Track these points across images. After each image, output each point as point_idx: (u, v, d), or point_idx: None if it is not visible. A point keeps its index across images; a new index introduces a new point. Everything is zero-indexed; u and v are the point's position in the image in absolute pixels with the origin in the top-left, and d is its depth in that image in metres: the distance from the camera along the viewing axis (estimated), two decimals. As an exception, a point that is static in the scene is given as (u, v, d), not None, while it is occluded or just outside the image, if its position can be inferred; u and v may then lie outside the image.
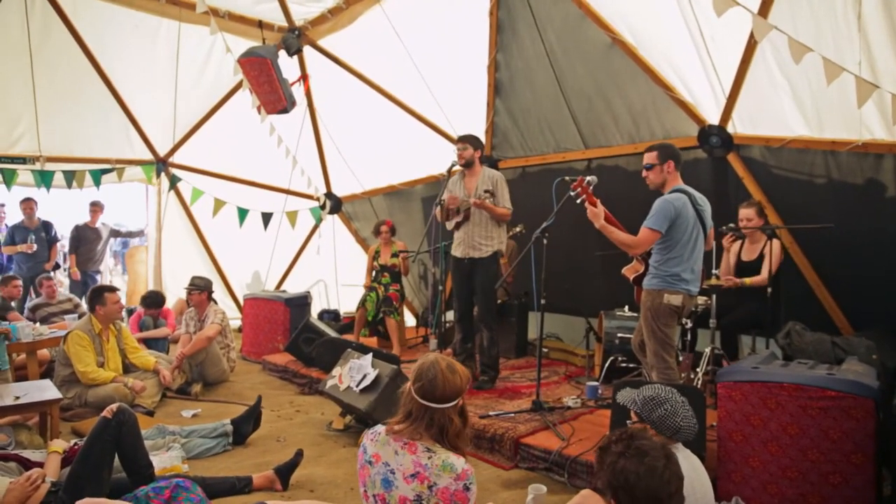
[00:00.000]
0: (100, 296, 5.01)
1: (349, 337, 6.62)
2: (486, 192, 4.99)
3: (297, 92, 6.71)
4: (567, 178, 4.03)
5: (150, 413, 4.88)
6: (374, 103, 7.08)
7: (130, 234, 9.79)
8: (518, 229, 6.35)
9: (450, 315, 6.12)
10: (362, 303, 6.61)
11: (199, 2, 5.24)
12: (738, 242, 4.99)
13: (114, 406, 3.16)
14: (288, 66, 6.67)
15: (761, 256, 4.79)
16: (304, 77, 7.04)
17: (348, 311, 8.34)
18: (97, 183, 7.56)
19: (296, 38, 6.71)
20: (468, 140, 5.13)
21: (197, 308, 6.05)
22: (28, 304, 7.02)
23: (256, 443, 4.35)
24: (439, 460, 2.12)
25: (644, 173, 3.94)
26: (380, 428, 2.26)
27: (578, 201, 3.85)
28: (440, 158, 6.46)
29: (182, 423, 4.48)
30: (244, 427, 4.33)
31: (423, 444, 2.15)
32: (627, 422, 2.62)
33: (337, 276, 8.79)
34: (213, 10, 5.77)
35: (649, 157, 3.88)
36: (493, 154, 6.84)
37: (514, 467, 3.91)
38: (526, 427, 4.13)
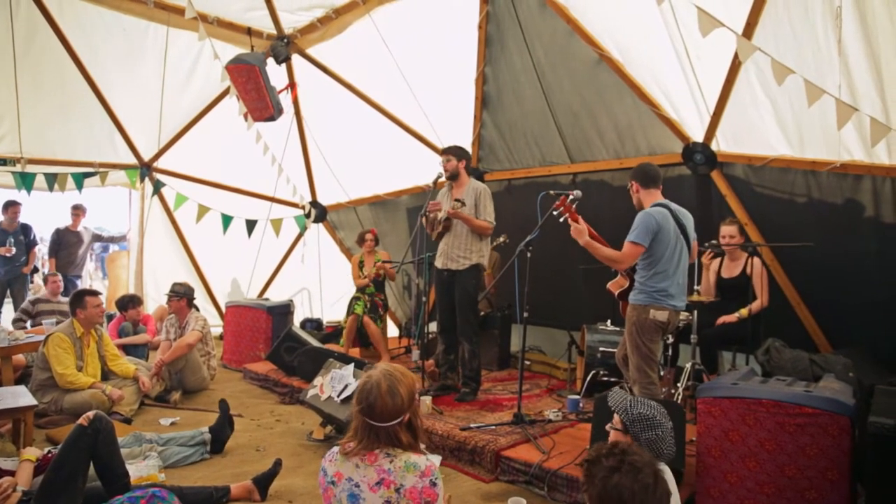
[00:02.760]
0: (80, 299, 4.96)
1: (333, 346, 6.58)
2: (456, 200, 5.00)
3: (285, 100, 6.71)
4: (552, 192, 4.06)
5: (128, 421, 4.82)
6: (361, 113, 7.09)
7: (112, 239, 9.68)
8: (501, 240, 6.37)
9: (433, 326, 6.12)
10: (351, 310, 6.59)
11: (187, 7, 5.22)
12: (718, 260, 5.04)
13: (90, 413, 3.11)
14: (276, 73, 6.66)
15: (743, 274, 4.84)
16: (291, 85, 7.04)
17: (331, 321, 8.31)
18: (79, 186, 7.48)
19: (284, 47, 6.70)
20: (452, 152, 5.15)
21: (177, 315, 5.99)
22: (30, 297, 7.00)
23: (235, 452, 4.30)
24: (401, 462, 2.13)
25: None
26: (335, 449, 2.27)
27: (561, 220, 3.89)
28: (426, 169, 6.48)
29: (160, 431, 4.42)
30: (221, 433, 4.28)
31: (381, 451, 2.16)
32: (608, 426, 2.61)
33: (321, 285, 8.75)
34: (201, 15, 5.75)
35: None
36: (480, 166, 6.88)
37: (495, 480, 3.90)
38: (507, 440, 4.12)
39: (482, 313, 6.16)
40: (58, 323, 5.33)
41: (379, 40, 6.26)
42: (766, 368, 4.32)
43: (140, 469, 3.58)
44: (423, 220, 5.27)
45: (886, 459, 2.81)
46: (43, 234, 9.49)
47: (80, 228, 8.18)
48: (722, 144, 5.11)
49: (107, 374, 5.14)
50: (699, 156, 5.16)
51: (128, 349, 6.34)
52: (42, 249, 9.50)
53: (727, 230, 4.85)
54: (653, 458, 1.90)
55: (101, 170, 7.65)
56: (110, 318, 7.13)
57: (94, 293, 5.10)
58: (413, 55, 6.34)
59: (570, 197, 3.92)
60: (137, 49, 6.68)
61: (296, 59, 6.97)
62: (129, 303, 6.75)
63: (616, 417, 2.55)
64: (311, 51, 6.88)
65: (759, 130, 4.77)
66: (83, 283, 8.57)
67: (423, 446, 2.30)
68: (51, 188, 7.32)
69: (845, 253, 4.61)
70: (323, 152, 7.79)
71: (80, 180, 7.46)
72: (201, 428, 4.29)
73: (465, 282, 5.06)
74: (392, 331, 7.94)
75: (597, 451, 1.92)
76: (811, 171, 4.64)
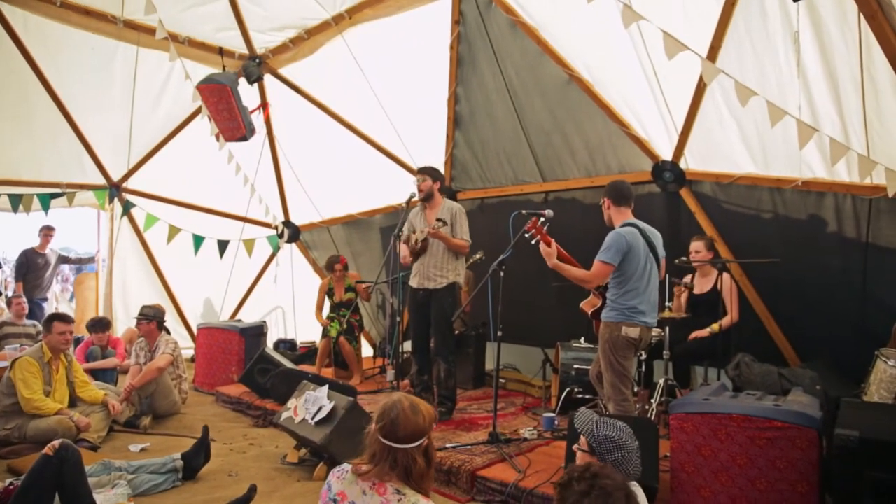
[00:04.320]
0: (49, 323, 4.85)
1: (307, 367, 6.52)
2: (438, 220, 5.03)
3: (257, 120, 6.68)
4: (524, 211, 4.09)
5: (95, 448, 4.69)
6: (333, 133, 7.09)
7: (80, 261, 9.49)
8: (477, 257, 6.38)
9: (407, 346, 6.10)
10: (325, 333, 6.56)
11: (158, 27, 5.20)
12: (689, 276, 5.13)
13: (56, 443, 3.04)
14: (248, 93, 6.64)
15: (714, 290, 4.92)
16: (263, 105, 7.02)
17: (305, 341, 8.23)
18: (45, 207, 7.33)
19: (256, 67, 6.69)
20: (427, 172, 5.19)
21: (147, 338, 5.88)
22: None
23: (208, 477, 4.22)
24: (409, 502, 2.08)
25: None
26: (346, 466, 2.22)
27: (533, 242, 3.92)
28: (400, 188, 6.49)
29: (129, 458, 4.32)
30: (195, 461, 4.19)
31: (392, 486, 2.11)
32: (574, 447, 2.63)
33: (294, 306, 8.67)
34: (172, 35, 5.73)
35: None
36: (452, 185, 6.92)
37: (471, 500, 3.88)
38: (482, 459, 4.11)
39: (456, 332, 6.16)
40: (21, 347, 5.20)
41: (351, 60, 6.29)
42: (736, 383, 4.38)
43: (108, 498, 3.49)
44: (399, 241, 5.27)
45: (852, 470, 2.87)
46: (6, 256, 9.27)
47: (47, 250, 8.01)
48: (690, 162, 5.22)
49: (74, 401, 5.01)
50: (668, 174, 5.26)
51: (96, 373, 6.19)
52: (6, 272, 9.28)
53: (695, 245, 4.95)
54: (625, 481, 1.92)
55: (69, 190, 7.51)
56: (78, 341, 6.97)
57: (66, 320, 4.92)
58: (385, 75, 6.37)
59: (542, 219, 3.95)
60: (106, 68, 6.59)
61: (268, 78, 6.96)
62: (98, 326, 6.61)
63: (582, 438, 2.57)
64: (283, 71, 6.87)
65: (726, 149, 4.89)
66: (49, 306, 8.37)
67: None
68: (15, 209, 7.17)
69: (810, 267, 4.73)
70: (296, 172, 7.76)
71: (46, 201, 7.31)
72: (173, 454, 4.19)
73: (442, 300, 5.07)
74: (367, 350, 7.89)
75: (569, 475, 1.93)
76: (776, 189, 4.76)
